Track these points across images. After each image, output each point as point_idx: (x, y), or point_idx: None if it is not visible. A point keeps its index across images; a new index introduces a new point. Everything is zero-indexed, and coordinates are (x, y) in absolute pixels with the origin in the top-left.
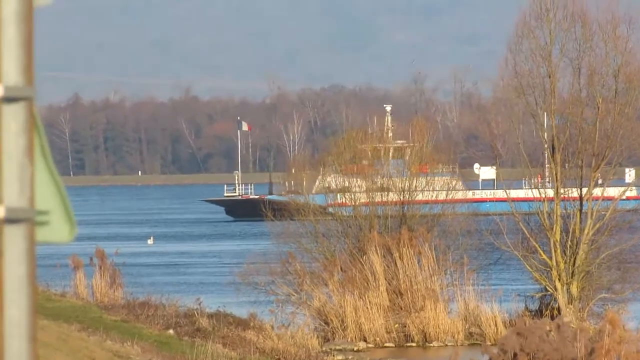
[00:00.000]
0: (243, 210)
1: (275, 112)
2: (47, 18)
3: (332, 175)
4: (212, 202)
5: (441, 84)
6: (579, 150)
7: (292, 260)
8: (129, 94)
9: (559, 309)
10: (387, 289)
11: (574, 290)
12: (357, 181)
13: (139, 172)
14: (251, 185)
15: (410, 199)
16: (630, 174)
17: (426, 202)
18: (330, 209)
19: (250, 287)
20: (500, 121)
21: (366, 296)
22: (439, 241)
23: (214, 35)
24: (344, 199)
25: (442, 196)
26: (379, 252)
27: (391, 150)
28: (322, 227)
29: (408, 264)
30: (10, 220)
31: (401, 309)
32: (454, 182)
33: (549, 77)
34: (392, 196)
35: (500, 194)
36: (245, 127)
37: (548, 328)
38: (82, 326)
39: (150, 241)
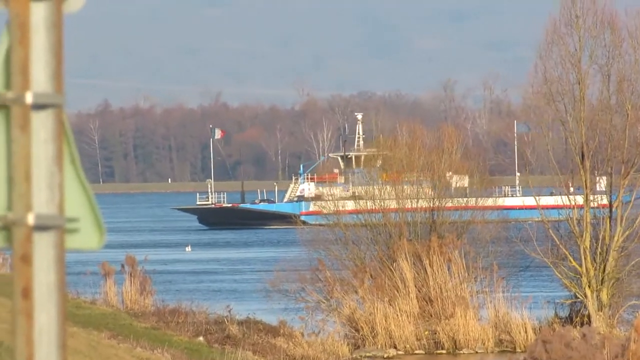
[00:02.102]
0: (216, 219)
1: (305, 119)
2: (76, 25)
3: (306, 184)
4: (184, 210)
5: (470, 91)
6: (608, 157)
7: (322, 268)
8: (158, 101)
9: (589, 316)
10: (417, 296)
11: (604, 297)
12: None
13: (169, 180)
14: (224, 194)
15: (440, 206)
16: None
17: (456, 209)
18: (360, 217)
19: (280, 294)
20: (529, 128)
21: (396, 303)
22: (468, 248)
23: (243, 42)
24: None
25: (472, 203)
26: (408, 259)
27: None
28: (352, 234)
29: (438, 271)
30: (40, 227)
31: (431, 316)
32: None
33: (579, 83)
34: (422, 203)
35: (530, 201)
36: (218, 134)
37: (575, 335)
38: (112, 333)
39: (188, 249)
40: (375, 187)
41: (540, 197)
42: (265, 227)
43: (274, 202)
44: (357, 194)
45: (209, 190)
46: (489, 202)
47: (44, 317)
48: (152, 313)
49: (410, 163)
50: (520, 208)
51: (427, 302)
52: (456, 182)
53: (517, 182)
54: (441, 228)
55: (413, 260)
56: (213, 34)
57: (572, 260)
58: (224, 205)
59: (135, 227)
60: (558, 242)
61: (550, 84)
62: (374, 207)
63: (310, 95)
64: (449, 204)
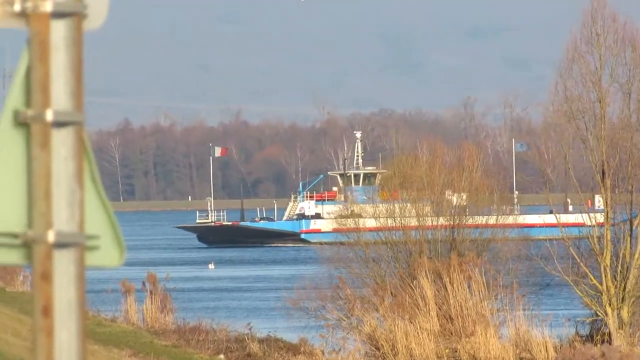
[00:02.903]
0: (215, 237)
1: (325, 137)
2: (97, 43)
3: (306, 202)
4: (184, 228)
5: (491, 108)
6: (629, 175)
7: (343, 285)
8: (178, 119)
9: (609, 334)
10: (437, 314)
11: (625, 315)
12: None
13: (189, 197)
14: (224, 212)
15: (460, 223)
16: None
17: (476, 227)
18: (381, 234)
19: (301, 312)
20: (550, 146)
21: (417, 321)
22: (489, 266)
23: (264, 60)
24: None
25: (492, 221)
26: (429, 276)
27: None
28: (373, 252)
29: (458, 289)
30: (60, 244)
31: (452, 333)
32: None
33: (599, 102)
34: (442, 220)
35: (550, 219)
36: (218, 152)
37: (596, 353)
38: (133, 351)
39: (211, 266)
40: (395, 204)
41: (561, 214)
42: (265, 245)
43: (273, 220)
44: (356, 212)
45: (209, 209)
46: (509, 219)
47: (65, 335)
48: (172, 331)
49: (430, 181)
50: (541, 226)
51: (447, 320)
52: (456, 200)
53: (516, 200)
54: (461, 246)
55: (433, 278)
56: (233, 51)
57: (592, 278)
58: (223, 223)
59: (144, 245)
60: (578, 260)
61: (571, 102)
62: (394, 225)
63: (331, 113)
64: (469, 222)
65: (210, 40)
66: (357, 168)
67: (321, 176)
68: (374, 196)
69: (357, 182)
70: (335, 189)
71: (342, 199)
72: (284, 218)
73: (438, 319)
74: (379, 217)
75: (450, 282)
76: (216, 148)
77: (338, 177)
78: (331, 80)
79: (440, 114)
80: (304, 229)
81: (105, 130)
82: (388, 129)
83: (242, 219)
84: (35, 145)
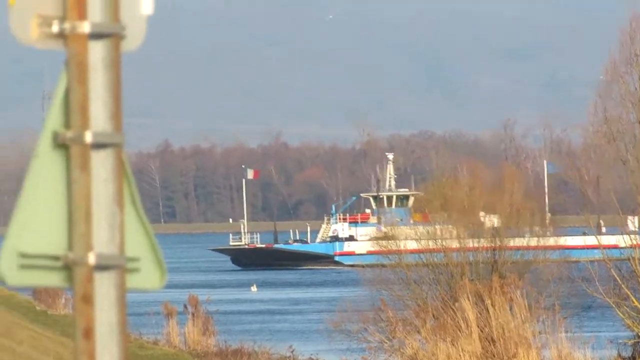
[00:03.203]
0: (249, 259)
1: (365, 158)
2: (136, 64)
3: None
4: (218, 250)
5: (530, 130)
6: None
7: (384, 308)
8: (218, 141)
9: None
10: (479, 336)
11: None
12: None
13: (230, 219)
14: (257, 234)
15: (501, 245)
16: None
17: (517, 249)
18: (422, 256)
19: (343, 334)
20: (590, 167)
21: (458, 343)
22: (530, 288)
23: (303, 82)
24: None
25: (533, 242)
26: (470, 299)
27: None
28: (414, 274)
29: (500, 311)
30: (101, 267)
31: (494, 356)
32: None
33: (639, 123)
34: (483, 242)
35: (591, 240)
36: (250, 174)
37: None
38: None
39: (253, 288)
40: (436, 226)
41: (602, 236)
42: (299, 267)
43: (307, 242)
44: (396, 233)
45: (242, 231)
46: (551, 241)
47: (106, 358)
48: (214, 353)
49: (471, 203)
50: (582, 248)
51: (489, 342)
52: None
53: (548, 221)
54: (503, 268)
55: (475, 300)
56: (273, 73)
57: (634, 300)
58: (257, 245)
59: (180, 268)
60: (620, 282)
61: (611, 123)
62: (435, 247)
63: (371, 135)
64: (511, 244)
65: (251, 62)
66: (390, 190)
67: (354, 198)
68: (406, 218)
69: (389, 204)
70: (368, 211)
71: (375, 221)
72: (317, 240)
73: (480, 341)
74: (420, 239)
75: (492, 304)
76: (249, 170)
77: (371, 199)
78: (371, 101)
79: (480, 135)
80: (337, 251)
81: (145, 151)
82: (428, 151)
83: (276, 242)
84: (74, 167)
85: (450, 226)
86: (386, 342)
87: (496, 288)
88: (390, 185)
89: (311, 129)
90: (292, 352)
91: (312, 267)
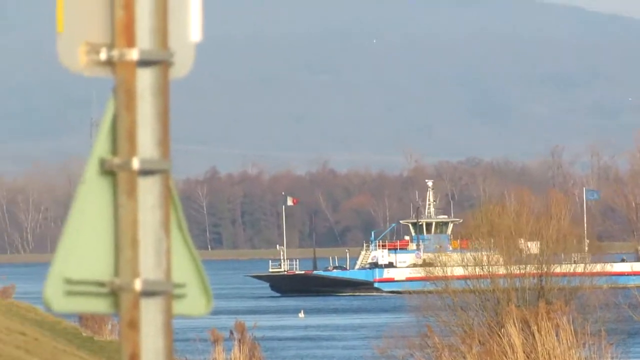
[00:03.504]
0: (288, 286)
1: (413, 185)
2: (184, 91)
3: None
4: (257, 277)
5: (578, 157)
6: None
7: (431, 334)
8: (266, 167)
9: None
10: None
11: None
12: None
13: (277, 246)
14: (296, 261)
15: (548, 271)
16: None
17: (564, 275)
18: (468, 282)
19: None
20: (637, 194)
21: None
22: (576, 314)
23: (350, 109)
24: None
25: (579, 269)
26: (517, 325)
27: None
28: (460, 300)
29: (546, 337)
30: (147, 293)
31: None
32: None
33: None
34: (530, 268)
35: (638, 267)
36: (290, 201)
37: None
38: None
39: (301, 315)
40: (483, 253)
41: None
42: (338, 294)
43: (346, 268)
44: (428, 260)
45: (282, 258)
46: (598, 268)
47: None
48: None
49: (518, 229)
50: (629, 274)
51: None
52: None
53: (587, 248)
54: (549, 294)
55: (521, 326)
56: (320, 100)
57: None
58: (296, 272)
59: (223, 294)
60: None
61: None
62: (482, 273)
63: (418, 162)
64: (557, 270)
65: (299, 89)
66: (429, 217)
67: (393, 225)
68: (446, 245)
69: (429, 230)
70: (407, 237)
71: (414, 247)
72: (357, 267)
73: None
74: (467, 265)
75: (538, 330)
76: (288, 197)
77: (410, 225)
78: (419, 128)
79: (527, 162)
80: (377, 277)
81: (192, 178)
82: (475, 178)
83: (315, 268)
84: (121, 193)
85: (496, 252)
86: None
87: (542, 314)
88: (429, 212)
89: (359, 156)
90: None
91: (351, 294)
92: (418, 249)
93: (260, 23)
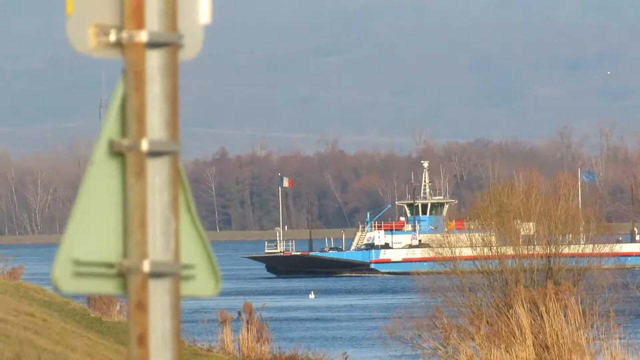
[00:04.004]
0: (284, 267)
1: (421, 166)
2: (193, 73)
3: (375, 232)
4: (253, 258)
5: (587, 138)
6: None
7: (439, 314)
8: (275, 149)
9: None
10: (533, 343)
11: None
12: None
13: (285, 227)
14: (292, 242)
15: (556, 252)
16: None
17: (572, 256)
18: (476, 263)
19: (397, 341)
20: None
21: (513, 350)
22: (584, 294)
23: (359, 90)
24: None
25: (588, 250)
26: (525, 305)
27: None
28: (469, 281)
29: (554, 318)
30: (155, 274)
31: None
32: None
33: None
34: (538, 249)
35: None
36: (286, 182)
37: None
38: None
39: (311, 295)
40: (491, 233)
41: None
42: (335, 275)
43: (342, 249)
44: (429, 241)
45: (278, 239)
46: (606, 249)
47: None
48: None
49: (526, 210)
50: (638, 255)
51: (543, 349)
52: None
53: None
54: (557, 275)
55: (529, 307)
56: (328, 82)
57: None
58: (292, 253)
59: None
60: None
61: None
62: (490, 254)
63: (427, 143)
64: (565, 251)
65: (307, 71)
66: (425, 198)
67: (388, 206)
68: (441, 226)
69: (424, 212)
70: (402, 218)
71: (410, 228)
72: (352, 248)
73: (534, 348)
74: (475, 246)
75: (546, 311)
76: (284, 178)
77: (405, 206)
78: (428, 110)
79: (536, 143)
80: (373, 258)
81: (201, 160)
82: (484, 159)
83: (311, 249)
84: (130, 175)
85: (510, 233)
86: (440, 349)
87: (551, 295)
88: (425, 193)
89: (367, 137)
90: (345, 358)
91: (347, 275)
92: (414, 230)
93: (268, 4)
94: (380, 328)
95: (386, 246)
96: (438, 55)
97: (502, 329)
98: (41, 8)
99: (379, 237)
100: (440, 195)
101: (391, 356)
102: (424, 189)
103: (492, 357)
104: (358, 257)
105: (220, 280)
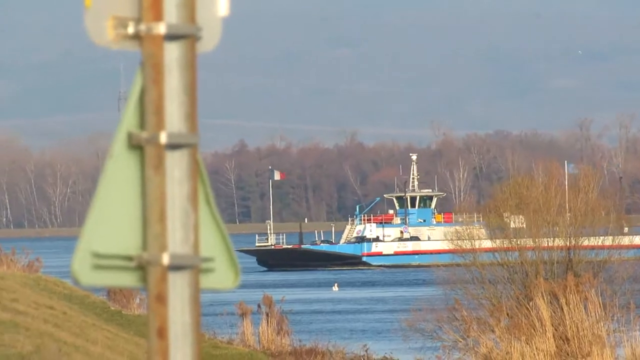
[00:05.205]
0: (275, 260)
1: (441, 158)
2: (212, 65)
3: (367, 225)
4: (244, 251)
5: (606, 129)
6: None
7: (459, 307)
8: (294, 141)
9: None
10: (553, 335)
11: None
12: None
13: (305, 219)
14: (283, 235)
15: (576, 244)
16: None
17: (592, 248)
18: (496, 255)
19: (417, 333)
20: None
21: (533, 342)
22: (605, 286)
23: (378, 82)
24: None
25: (608, 242)
26: (545, 297)
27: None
28: (489, 273)
29: (574, 310)
30: (175, 267)
31: (568, 355)
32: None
33: None
34: (558, 241)
35: None
36: (277, 176)
37: None
38: None
39: (335, 288)
40: (511, 226)
41: None
42: (326, 268)
43: (333, 243)
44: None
45: (268, 232)
46: (626, 240)
47: (180, 358)
48: (289, 353)
49: (546, 202)
50: None
51: (563, 341)
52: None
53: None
54: (578, 267)
55: (549, 299)
56: (348, 74)
57: None
58: (283, 246)
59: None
60: None
61: None
62: (510, 246)
63: (446, 135)
64: (586, 243)
65: (326, 64)
66: (413, 191)
67: (377, 199)
68: (430, 219)
69: (413, 204)
70: (391, 211)
71: (399, 221)
72: (342, 241)
73: (554, 340)
74: (495, 238)
75: (566, 303)
76: (275, 172)
77: (394, 199)
78: (447, 102)
79: (555, 135)
80: (365, 251)
81: (220, 152)
82: (503, 150)
83: (301, 242)
84: (149, 167)
85: (531, 226)
86: (460, 341)
87: (571, 287)
88: (414, 186)
89: (386, 129)
90: (366, 351)
91: (339, 268)
92: (404, 222)
93: None
94: (400, 320)
95: (377, 239)
96: (456, 47)
97: (522, 321)
98: (56, 1)
99: (370, 230)
100: (429, 189)
101: (411, 348)
102: (413, 182)
103: (512, 350)
104: (350, 250)
105: (239, 273)
